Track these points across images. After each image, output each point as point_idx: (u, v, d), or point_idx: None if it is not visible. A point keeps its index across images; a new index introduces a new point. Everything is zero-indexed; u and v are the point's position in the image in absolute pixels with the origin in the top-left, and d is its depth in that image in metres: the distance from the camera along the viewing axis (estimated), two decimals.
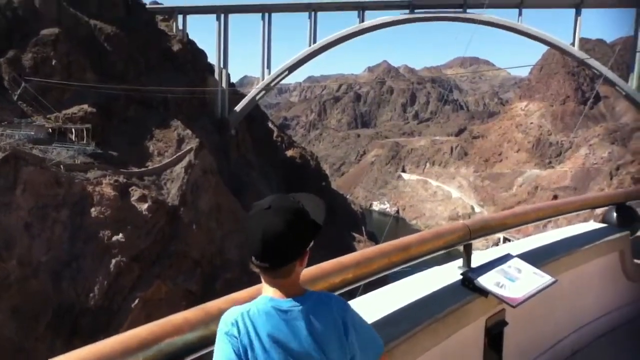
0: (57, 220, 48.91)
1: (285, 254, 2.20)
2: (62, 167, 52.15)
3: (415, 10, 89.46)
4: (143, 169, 60.84)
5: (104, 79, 66.44)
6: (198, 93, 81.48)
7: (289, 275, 2.24)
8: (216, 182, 67.12)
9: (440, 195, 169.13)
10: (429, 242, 3.22)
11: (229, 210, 65.73)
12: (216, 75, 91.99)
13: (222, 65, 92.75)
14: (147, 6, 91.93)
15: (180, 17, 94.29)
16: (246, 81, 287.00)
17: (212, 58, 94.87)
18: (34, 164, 49.76)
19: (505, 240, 59.52)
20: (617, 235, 5.00)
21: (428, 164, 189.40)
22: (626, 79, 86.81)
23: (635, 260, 5.21)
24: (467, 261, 3.62)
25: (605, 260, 4.88)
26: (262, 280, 2.30)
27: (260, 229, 2.14)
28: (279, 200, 2.26)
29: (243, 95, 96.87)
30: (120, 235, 50.96)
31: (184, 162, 63.20)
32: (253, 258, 2.17)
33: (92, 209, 50.96)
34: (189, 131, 68.68)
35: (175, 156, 63.73)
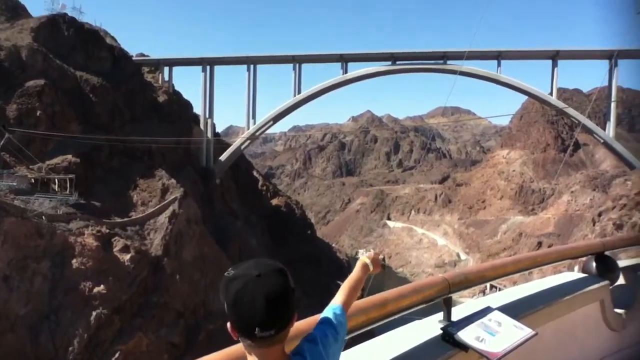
0: (37, 272, 47.85)
1: (289, 317, 2.15)
2: (44, 217, 51.41)
3: (397, 62, 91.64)
4: (126, 219, 60.23)
5: (88, 129, 66.56)
6: (183, 143, 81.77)
7: (284, 340, 2.19)
8: (200, 232, 66.53)
9: (426, 242, 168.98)
10: (408, 297, 3.21)
11: (213, 260, 64.93)
12: (201, 125, 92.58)
13: (207, 115, 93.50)
14: (134, 58, 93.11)
15: (166, 69, 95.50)
16: (231, 131, 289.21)
17: (198, 108, 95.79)
18: (15, 214, 49.00)
19: (492, 287, 59.27)
20: (597, 285, 5.02)
21: (413, 212, 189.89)
22: (603, 127, 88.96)
23: (616, 310, 5.23)
24: (448, 315, 3.62)
25: (586, 310, 4.88)
26: (249, 352, 2.21)
27: (261, 297, 2.05)
28: (263, 266, 2.21)
29: (228, 145, 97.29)
30: (102, 286, 49.89)
31: (168, 212, 62.73)
32: (257, 330, 2.05)
33: (74, 260, 50.01)
34: (173, 181, 68.48)
35: (159, 206, 63.29)
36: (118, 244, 54.28)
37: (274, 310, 2.07)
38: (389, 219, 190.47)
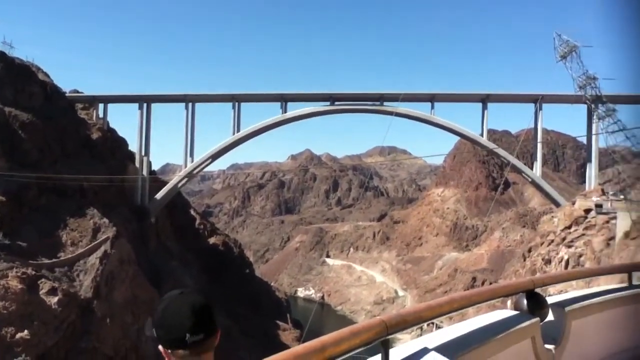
0: None
1: (214, 324, 2.42)
2: None
3: (336, 102, 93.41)
4: (54, 260, 57.37)
5: (16, 167, 63.57)
6: (117, 181, 79.46)
7: (213, 348, 2.43)
8: (133, 273, 64.24)
9: (365, 279, 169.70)
10: (346, 341, 3.18)
11: (146, 301, 62.61)
12: (137, 163, 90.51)
13: (143, 153, 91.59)
14: (67, 94, 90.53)
15: (101, 106, 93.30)
16: (168, 168, 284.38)
17: (134, 146, 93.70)
18: None
19: (430, 323, 59.93)
20: (528, 322, 5.15)
21: (352, 249, 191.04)
22: (531, 167, 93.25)
23: (546, 346, 5.37)
24: (385, 357, 3.62)
25: (518, 347, 4.99)
26: None
27: (186, 307, 2.38)
28: (184, 288, 2.58)
29: (165, 183, 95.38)
30: (26, 332, 46.95)
31: (99, 252, 60.30)
32: (187, 336, 2.31)
33: None
34: (105, 220, 66.11)
35: (90, 246, 60.77)
36: (45, 286, 51.52)
37: (200, 315, 2.36)
38: (328, 256, 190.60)
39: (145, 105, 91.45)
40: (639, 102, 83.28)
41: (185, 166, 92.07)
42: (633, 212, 47.96)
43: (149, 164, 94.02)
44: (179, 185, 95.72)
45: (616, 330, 6.68)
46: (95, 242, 61.34)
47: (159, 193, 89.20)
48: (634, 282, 7.42)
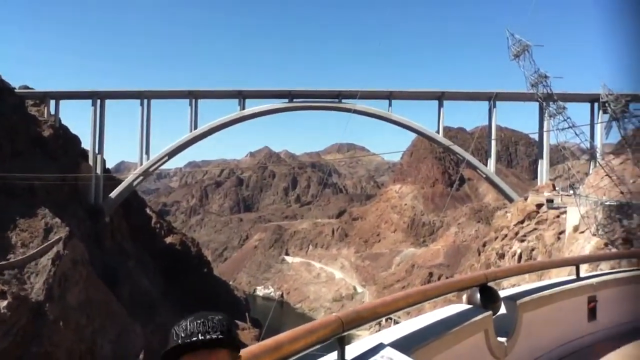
0: None
1: (231, 332, 2.39)
2: None
3: (294, 100, 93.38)
4: (3, 262, 55.37)
5: None
6: (70, 179, 77.25)
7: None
8: (87, 274, 62.61)
9: (324, 276, 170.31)
10: (301, 339, 3.17)
11: (101, 303, 61.21)
12: (90, 161, 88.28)
13: (97, 151, 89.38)
14: (17, 90, 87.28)
15: (52, 102, 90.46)
16: (123, 167, 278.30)
17: (87, 143, 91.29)
18: None
19: (388, 319, 60.68)
20: (482, 315, 5.26)
21: (311, 246, 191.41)
22: (485, 163, 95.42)
23: (499, 339, 5.50)
24: (342, 354, 3.63)
25: (472, 340, 5.09)
26: None
27: (199, 316, 2.42)
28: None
29: (119, 181, 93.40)
30: None
31: (52, 253, 58.51)
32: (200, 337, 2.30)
33: None
34: (58, 220, 64.19)
35: (41, 247, 58.90)
36: None
37: (211, 320, 2.37)
38: (287, 254, 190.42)
39: (99, 101, 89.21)
40: (587, 100, 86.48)
41: (141, 164, 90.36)
42: (582, 207, 49.65)
43: (103, 162, 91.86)
44: (135, 183, 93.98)
45: (564, 321, 6.90)
46: (47, 243, 59.51)
47: (114, 192, 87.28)
48: (582, 275, 7.68)
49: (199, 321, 2.39)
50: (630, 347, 7.19)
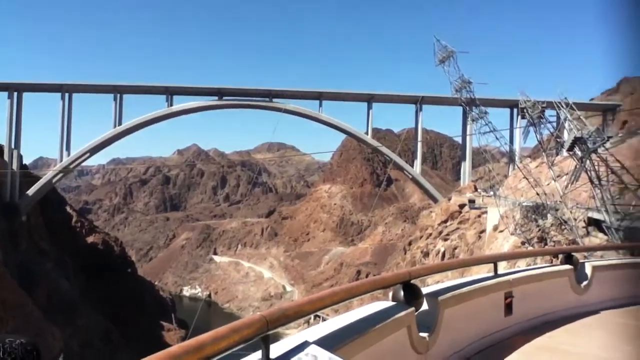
0: None
1: None
2: None
3: (224, 97, 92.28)
4: None
5: None
6: None
7: None
8: (1, 275, 59.17)
9: (253, 276, 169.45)
10: (225, 339, 3.13)
11: (15, 306, 58.00)
12: (6, 156, 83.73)
13: (13, 146, 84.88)
14: None
15: None
16: (42, 163, 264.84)
17: (2, 138, 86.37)
18: None
19: (317, 317, 61.14)
20: (404, 312, 5.38)
21: (240, 246, 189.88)
22: (412, 164, 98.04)
23: (421, 334, 5.66)
24: (266, 353, 3.61)
25: (395, 337, 5.21)
26: None
27: None
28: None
29: (37, 178, 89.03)
30: None
31: None
32: None
33: None
34: None
35: None
36: None
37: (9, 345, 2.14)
38: (215, 253, 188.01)
39: (15, 94, 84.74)
40: (507, 105, 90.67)
41: (61, 160, 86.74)
42: (501, 207, 52.05)
43: (20, 157, 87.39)
44: (54, 180, 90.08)
45: (483, 316, 7.21)
46: None
47: (31, 189, 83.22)
48: (500, 272, 8.04)
49: None
50: (543, 338, 7.63)
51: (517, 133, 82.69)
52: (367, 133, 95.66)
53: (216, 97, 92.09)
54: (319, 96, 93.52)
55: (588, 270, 9.88)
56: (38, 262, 75.44)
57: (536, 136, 43.84)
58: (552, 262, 11.03)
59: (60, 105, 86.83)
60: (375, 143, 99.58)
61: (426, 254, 76.53)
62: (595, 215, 37.73)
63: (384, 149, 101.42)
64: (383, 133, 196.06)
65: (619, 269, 11.01)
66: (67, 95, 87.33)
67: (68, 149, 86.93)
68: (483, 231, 64.84)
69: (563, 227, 40.59)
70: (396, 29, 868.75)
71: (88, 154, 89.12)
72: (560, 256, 9.95)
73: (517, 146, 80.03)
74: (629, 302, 10.04)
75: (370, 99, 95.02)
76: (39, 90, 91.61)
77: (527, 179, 46.80)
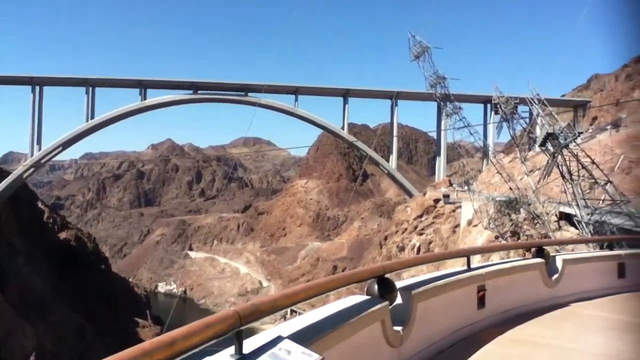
0: None
1: None
2: None
3: (199, 91, 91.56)
4: None
5: None
6: None
7: None
8: None
9: (229, 271, 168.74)
10: (197, 334, 3.11)
11: None
12: None
13: None
14: None
15: None
16: (11, 157, 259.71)
17: None
18: None
19: (293, 312, 61.20)
20: (378, 306, 5.42)
21: (215, 241, 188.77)
22: (387, 159, 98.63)
23: (395, 328, 5.71)
24: (239, 348, 3.60)
25: (369, 330, 5.24)
26: None
27: None
28: None
29: (7, 173, 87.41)
30: None
31: None
32: None
33: None
34: None
35: None
36: None
37: None
38: (190, 249, 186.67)
39: None
40: (480, 101, 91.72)
41: (32, 155, 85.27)
42: (475, 202, 52.70)
43: None
44: (25, 175, 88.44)
45: (456, 310, 7.31)
46: None
47: (1, 184, 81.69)
48: (473, 266, 8.14)
49: None
50: (514, 331, 7.77)
51: (491, 128, 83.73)
52: (343, 128, 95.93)
53: (191, 91, 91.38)
54: (295, 91, 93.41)
55: (559, 263, 10.07)
56: (9, 258, 74.07)
57: (509, 131, 44.42)
58: (524, 256, 11.19)
59: (31, 98, 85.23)
60: (351, 138, 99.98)
61: (402, 249, 77.16)
62: (567, 209, 38.42)
63: (360, 144, 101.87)
64: (359, 128, 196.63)
65: (589, 262, 11.25)
66: (37, 88, 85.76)
67: (39, 143, 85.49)
68: (457, 225, 65.63)
69: (535, 221, 41.31)
70: (373, 24, 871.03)
71: (60, 149, 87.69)
72: (532, 250, 10.12)
73: (490, 141, 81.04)
74: (598, 294, 10.28)
75: (346, 94, 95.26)
76: (9, 83, 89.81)
77: (500, 174, 47.46)
